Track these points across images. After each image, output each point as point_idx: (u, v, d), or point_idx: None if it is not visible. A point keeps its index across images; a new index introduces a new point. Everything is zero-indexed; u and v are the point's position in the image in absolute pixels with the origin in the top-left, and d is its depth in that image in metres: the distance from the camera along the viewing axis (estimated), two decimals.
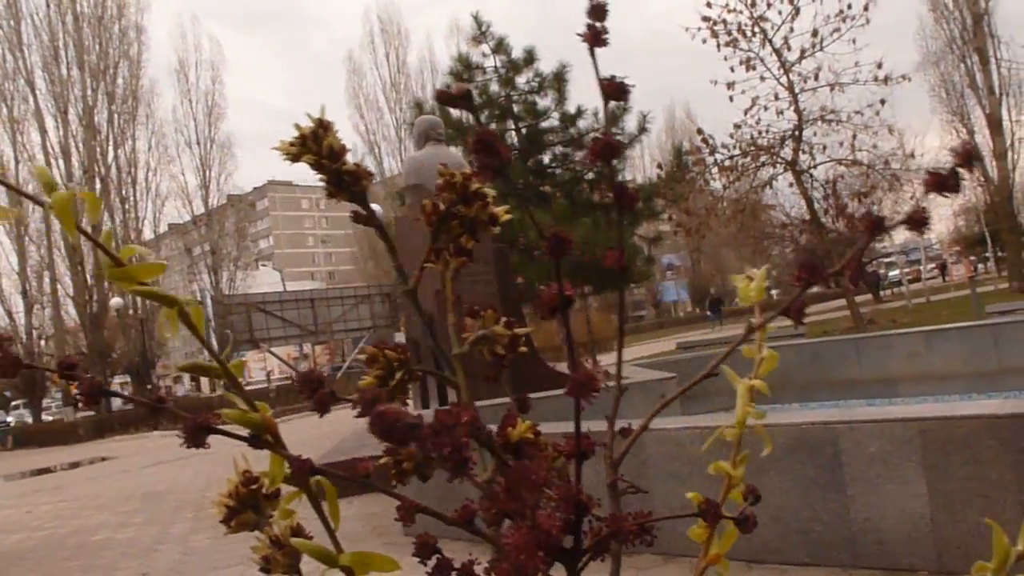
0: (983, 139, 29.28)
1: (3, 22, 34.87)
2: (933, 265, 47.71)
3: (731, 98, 16.82)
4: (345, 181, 0.64)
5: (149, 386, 36.31)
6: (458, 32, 35.83)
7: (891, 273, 43.44)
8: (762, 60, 16.74)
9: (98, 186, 35.19)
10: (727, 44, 16.60)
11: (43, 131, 35.14)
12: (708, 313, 45.58)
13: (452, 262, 0.70)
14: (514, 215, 0.71)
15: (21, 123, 34.99)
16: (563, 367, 11.24)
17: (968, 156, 0.60)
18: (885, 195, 19.47)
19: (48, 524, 8.33)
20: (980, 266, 46.91)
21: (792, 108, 16.67)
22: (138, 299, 34.87)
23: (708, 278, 57.35)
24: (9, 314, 37.39)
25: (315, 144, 0.63)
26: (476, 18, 14.69)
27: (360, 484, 0.65)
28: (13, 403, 48.76)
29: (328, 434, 11.15)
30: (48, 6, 35.37)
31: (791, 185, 17.65)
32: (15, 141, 34.33)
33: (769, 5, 16.28)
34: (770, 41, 16.59)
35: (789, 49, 16.61)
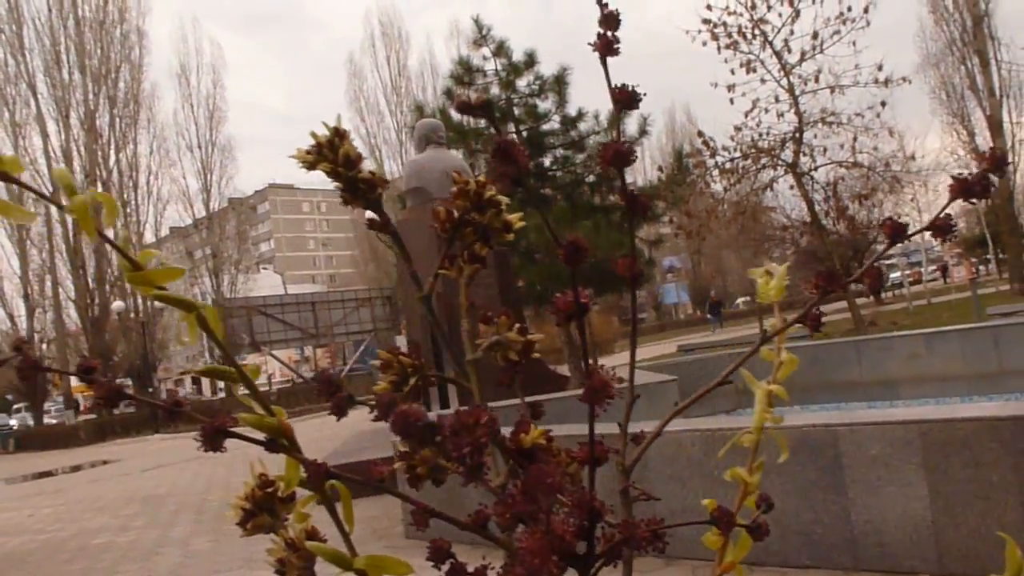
0: (983, 141, 29.29)
1: (5, 27, 34.99)
2: (934, 267, 47.71)
3: (731, 100, 16.85)
4: (361, 189, 0.65)
5: (151, 389, 36.31)
6: (458, 35, 35.92)
7: (892, 275, 43.41)
8: (762, 62, 16.76)
9: (99, 190, 35.18)
10: (727, 47, 16.62)
11: (45, 135, 35.23)
12: (708, 316, 45.56)
13: (466, 268, 0.71)
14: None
15: (23, 127, 35.11)
16: (562, 369, 11.25)
17: (999, 162, 0.59)
18: (886, 197, 19.48)
19: (49, 527, 8.33)
20: (981, 268, 46.89)
21: (792, 110, 16.68)
22: (139, 302, 34.79)
23: (709, 280, 57.37)
24: (11, 317, 37.53)
25: (331, 152, 0.64)
26: (476, 21, 14.72)
27: (372, 487, 0.66)
28: (15, 406, 48.78)
29: (329, 436, 11.15)
30: (50, 10, 35.50)
31: (792, 187, 17.65)
32: (17, 145, 34.41)
33: (769, 8, 16.30)
34: (770, 43, 16.61)
35: (789, 51, 16.63)
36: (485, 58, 14.87)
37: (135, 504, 9.03)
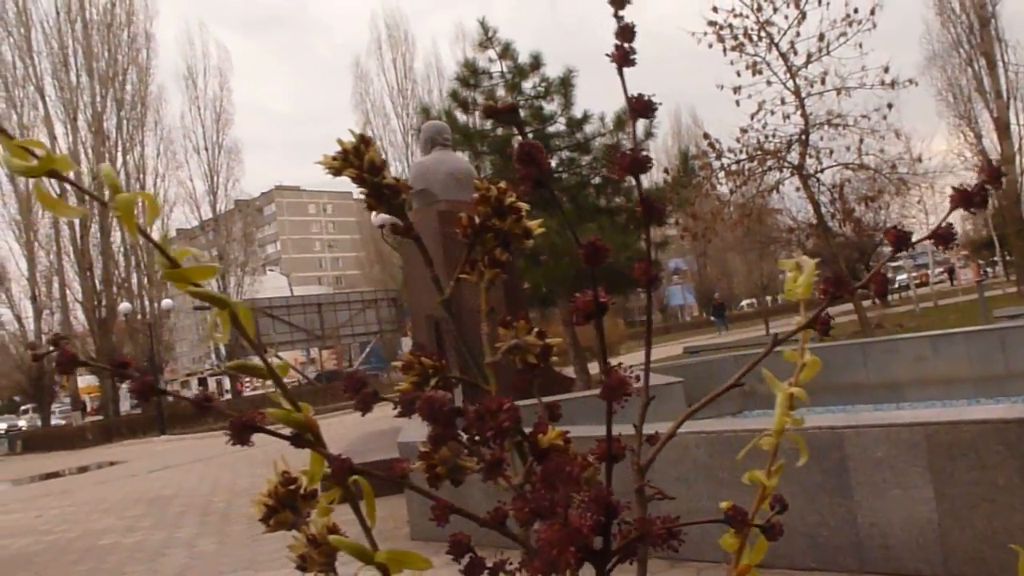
0: (991, 143, 29.23)
1: (13, 30, 35.14)
2: (941, 269, 47.55)
3: (737, 102, 16.80)
4: (385, 194, 0.66)
5: None
6: (464, 38, 35.91)
7: (899, 277, 43.28)
8: (768, 64, 16.72)
9: (106, 192, 35.31)
10: (733, 48, 16.58)
11: (52, 137, 35.35)
12: (711, 318, 45.49)
13: (487, 273, 0.72)
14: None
15: (31, 129, 35.20)
16: (568, 371, 11.24)
17: (996, 174, 0.60)
18: (892, 199, 19.43)
19: (56, 528, 8.36)
20: (988, 270, 46.72)
21: (799, 112, 16.64)
22: (146, 304, 34.86)
23: (714, 282, 57.26)
24: (19, 319, 37.66)
25: (357, 159, 0.65)
26: (482, 23, 14.73)
27: (387, 487, 0.67)
28: (22, 407, 48.96)
29: (334, 438, 11.16)
30: (58, 13, 35.64)
31: (798, 189, 17.60)
32: None
33: (775, 10, 16.27)
34: (776, 45, 16.58)
35: (795, 53, 16.58)
36: (491, 60, 14.89)
37: (141, 505, 9.06)
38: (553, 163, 14.95)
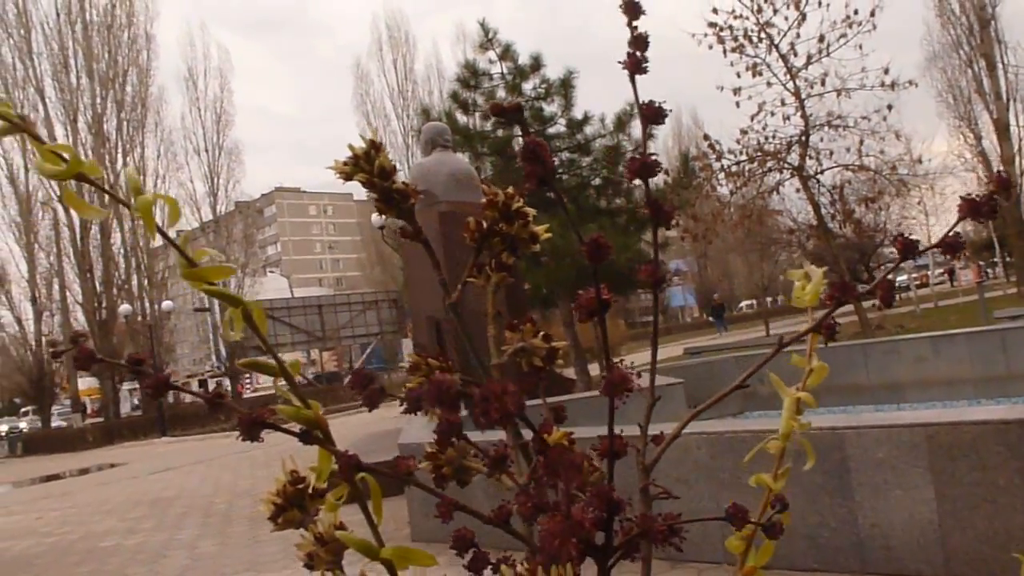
0: (991, 144, 29.24)
1: (13, 31, 35.13)
2: (941, 270, 47.55)
3: (737, 104, 16.83)
4: (395, 199, 0.67)
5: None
6: (464, 39, 35.89)
7: (899, 278, 43.31)
8: (768, 66, 16.75)
9: (103, 195, 35.33)
10: (733, 50, 16.61)
11: (53, 139, 35.20)
12: (710, 319, 45.51)
13: (494, 276, 0.73)
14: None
15: None
16: (569, 373, 11.24)
17: (1005, 184, 0.60)
18: (892, 200, 19.42)
19: (57, 530, 8.36)
20: (989, 271, 46.72)
21: (799, 114, 16.66)
22: (146, 306, 34.81)
23: (715, 283, 57.26)
24: (19, 321, 37.63)
25: (367, 164, 0.66)
26: (482, 25, 14.74)
27: (395, 486, 0.67)
28: (22, 409, 48.97)
29: (336, 439, 11.13)
30: (58, 15, 35.62)
31: (798, 191, 17.62)
32: (25, 149, 34.55)
33: (775, 11, 16.29)
34: (776, 47, 16.60)
35: (795, 55, 16.61)
36: (491, 62, 14.90)
37: (142, 507, 9.06)
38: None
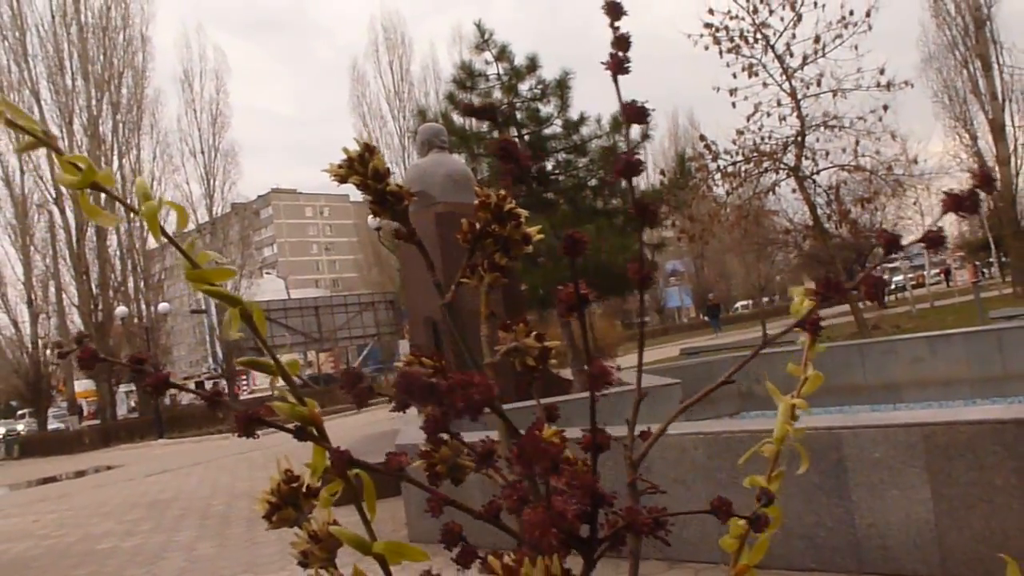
0: (986, 145, 29.31)
1: (8, 34, 35.06)
2: (937, 270, 47.64)
3: (734, 104, 16.86)
4: (389, 201, 0.68)
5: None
6: (461, 40, 35.92)
7: (895, 278, 43.36)
8: (764, 66, 16.78)
9: (103, 196, 35.30)
10: (729, 51, 16.63)
11: None
12: (705, 319, 45.56)
13: (487, 277, 0.73)
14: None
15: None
16: (565, 373, 11.26)
17: (987, 179, 0.61)
18: (888, 201, 19.45)
19: (54, 532, 8.35)
20: (985, 271, 46.81)
21: (795, 114, 16.69)
22: (143, 308, 34.72)
23: (712, 284, 57.30)
24: (15, 324, 37.53)
25: (361, 166, 0.67)
26: (479, 26, 14.74)
27: (392, 486, 0.68)
28: (19, 412, 48.87)
29: (333, 440, 11.15)
30: (53, 17, 35.56)
31: (794, 191, 17.64)
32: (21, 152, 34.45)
33: (771, 12, 16.32)
34: (772, 47, 16.62)
35: (791, 55, 16.64)
36: (487, 63, 14.90)
37: (140, 509, 9.04)
38: (550, 165, 14.98)
